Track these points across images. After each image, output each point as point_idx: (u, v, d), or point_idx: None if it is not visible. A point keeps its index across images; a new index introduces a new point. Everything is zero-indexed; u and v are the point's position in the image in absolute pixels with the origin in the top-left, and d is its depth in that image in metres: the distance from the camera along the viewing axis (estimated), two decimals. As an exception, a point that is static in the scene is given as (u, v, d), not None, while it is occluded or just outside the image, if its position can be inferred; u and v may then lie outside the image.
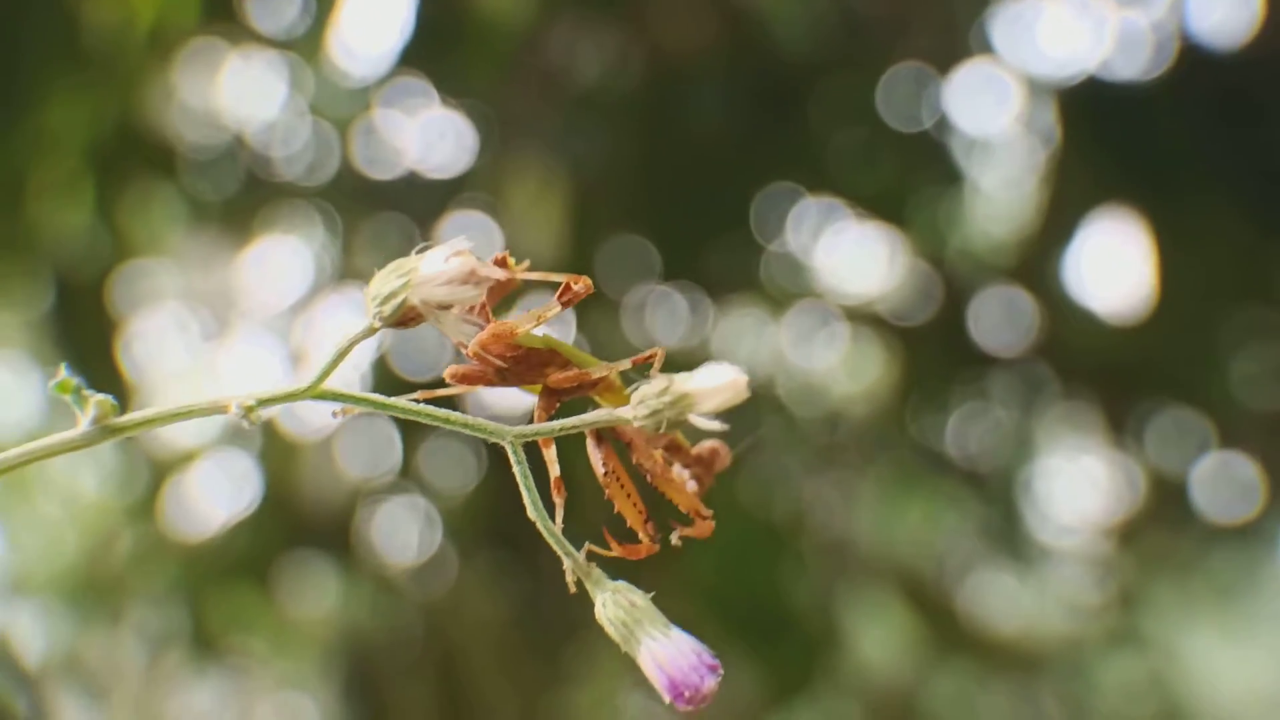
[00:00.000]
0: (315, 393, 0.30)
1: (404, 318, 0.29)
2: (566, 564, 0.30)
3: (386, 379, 1.32)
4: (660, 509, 0.33)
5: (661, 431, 0.29)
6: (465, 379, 0.32)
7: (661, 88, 1.31)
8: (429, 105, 1.36)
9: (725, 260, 1.36)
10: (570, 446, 0.32)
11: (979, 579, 1.55)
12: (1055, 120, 1.32)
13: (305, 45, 1.32)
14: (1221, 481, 1.48)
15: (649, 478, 0.32)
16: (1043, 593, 1.60)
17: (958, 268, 1.39)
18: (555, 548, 0.30)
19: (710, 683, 0.29)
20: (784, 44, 1.33)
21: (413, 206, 1.37)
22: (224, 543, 1.41)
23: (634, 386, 0.30)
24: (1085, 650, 1.61)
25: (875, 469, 1.51)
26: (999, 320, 1.41)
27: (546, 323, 0.32)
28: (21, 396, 1.48)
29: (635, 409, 0.29)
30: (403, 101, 1.36)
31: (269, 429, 1.39)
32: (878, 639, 1.51)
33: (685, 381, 0.29)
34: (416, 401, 0.31)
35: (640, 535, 0.32)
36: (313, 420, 1.38)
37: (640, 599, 0.30)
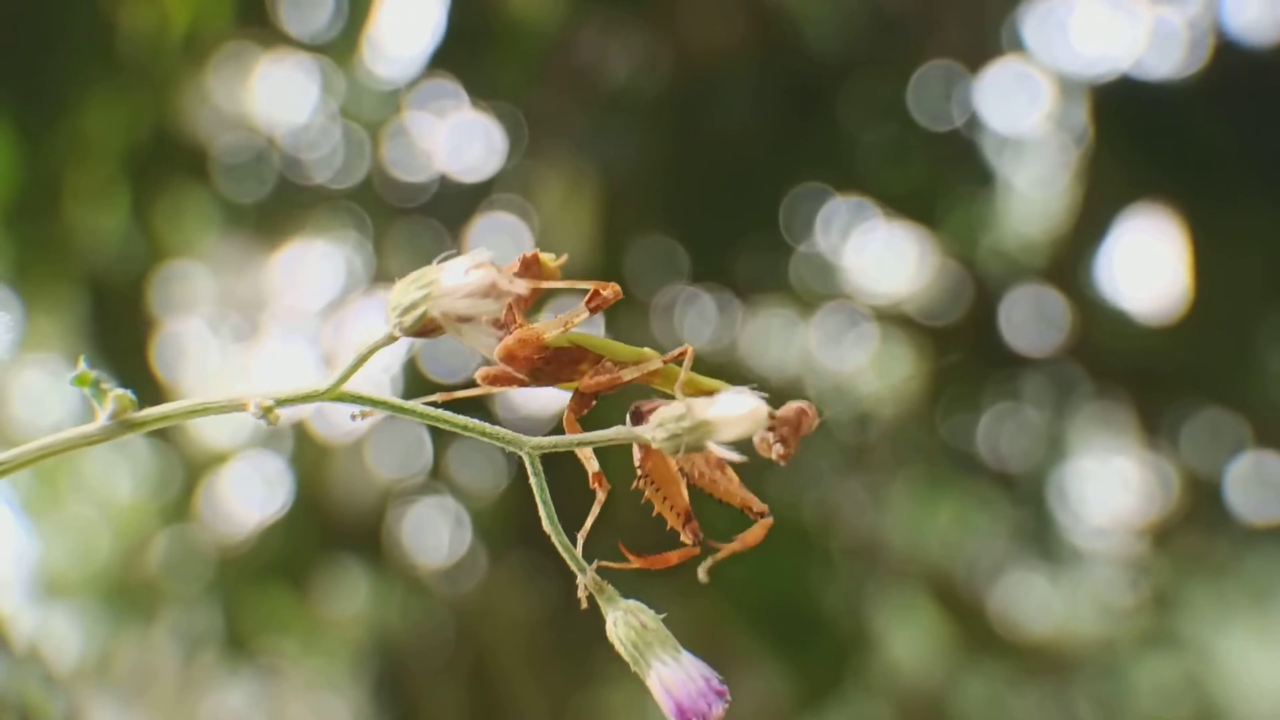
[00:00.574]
0: (334, 394, 0.30)
1: (424, 329, 0.29)
2: (580, 579, 0.30)
3: (417, 382, 1.32)
4: (701, 506, 0.32)
5: (680, 455, 0.29)
6: (496, 381, 0.32)
7: (690, 88, 1.31)
8: (459, 108, 1.36)
9: (754, 261, 1.36)
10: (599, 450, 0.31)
11: (1010, 580, 1.54)
12: (1087, 118, 1.31)
13: (337, 49, 1.33)
14: (1257, 482, 1.46)
15: (693, 478, 0.31)
16: (1075, 594, 1.59)
17: (988, 267, 1.39)
18: (569, 562, 0.30)
19: (718, 709, 0.29)
20: (813, 43, 1.32)
21: (443, 209, 1.38)
22: (257, 544, 1.42)
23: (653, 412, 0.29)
24: (1119, 652, 1.60)
25: (905, 470, 1.50)
26: (1030, 320, 1.40)
27: (574, 328, 0.32)
28: (57, 400, 1.49)
29: (654, 431, 0.29)
30: (433, 104, 1.37)
31: (300, 431, 1.40)
32: (908, 641, 1.50)
33: (705, 408, 0.28)
34: (436, 405, 0.31)
35: (683, 536, 0.31)
36: (343, 422, 1.38)
37: (651, 620, 0.30)
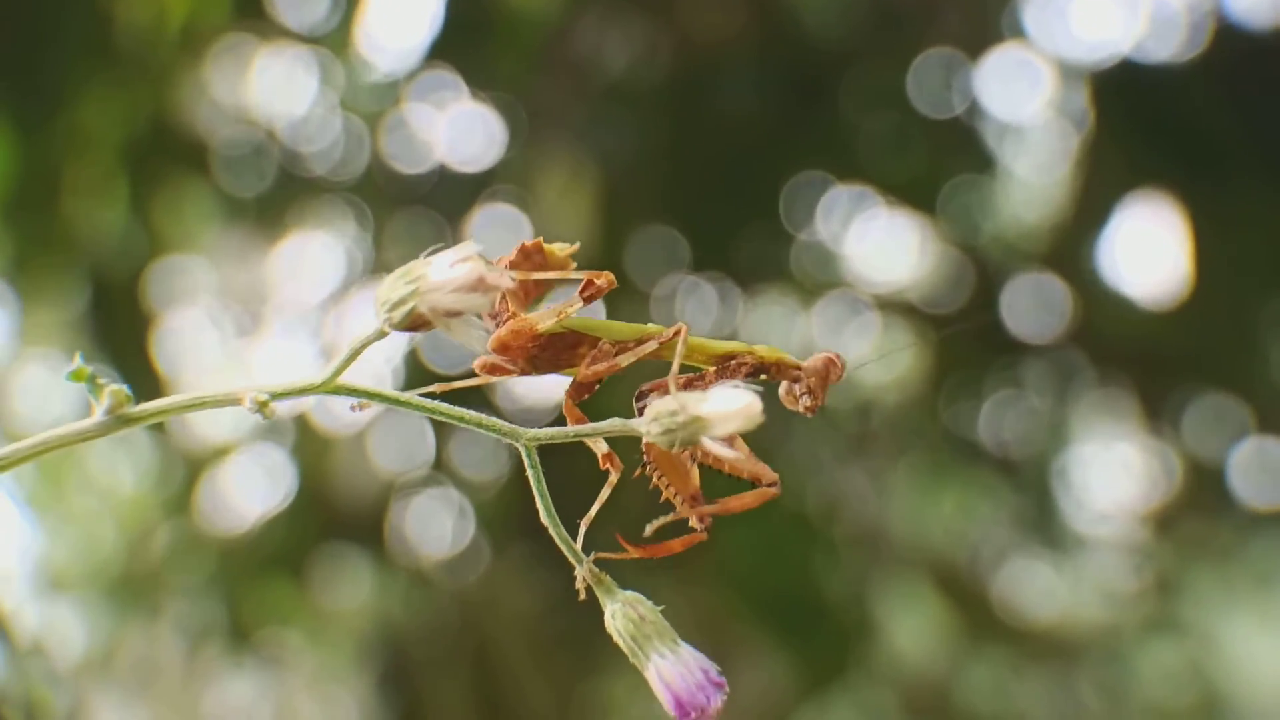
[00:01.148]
0: (329, 388, 0.30)
1: (413, 324, 0.29)
2: (578, 571, 0.30)
3: (418, 373, 1.32)
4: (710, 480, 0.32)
5: (675, 450, 0.28)
6: (494, 370, 0.32)
7: (690, 78, 1.30)
8: (458, 99, 1.36)
9: (755, 250, 1.36)
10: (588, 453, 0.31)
11: (1014, 568, 1.54)
12: (1088, 104, 1.31)
13: (334, 40, 1.33)
14: (1260, 467, 1.46)
15: (700, 456, 0.31)
16: (1079, 581, 1.59)
17: (990, 255, 1.38)
18: (567, 554, 0.30)
19: (716, 701, 0.29)
20: (813, 32, 1.32)
21: (443, 200, 1.37)
22: (259, 536, 1.42)
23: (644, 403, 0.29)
24: (1123, 638, 1.60)
25: (908, 458, 1.50)
26: (1032, 307, 1.40)
27: (568, 318, 0.31)
28: (57, 394, 1.49)
29: (649, 425, 0.28)
30: (432, 95, 1.37)
31: (302, 423, 1.40)
32: (912, 628, 1.50)
33: (699, 404, 0.28)
34: (434, 396, 0.31)
35: (691, 521, 0.31)
36: (345, 415, 1.38)
37: (649, 612, 0.30)
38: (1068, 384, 1.45)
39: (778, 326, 1.42)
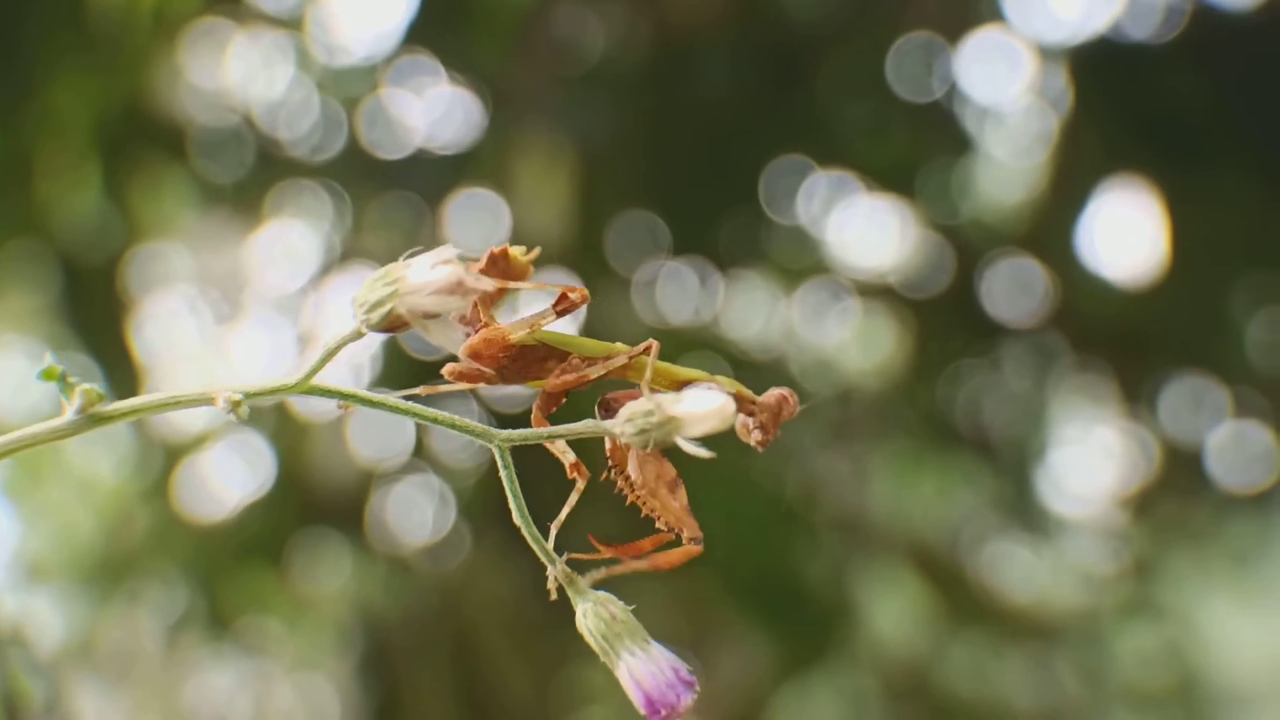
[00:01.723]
0: (304, 388, 0.30)
1: (391, 325, 0.29)
2: (550, 570, 0.30)
3: (397, 358, 1.32)
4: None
5: (648, 451, 0.29)
6: (464, 378, 0.32)
7: (669, 60, 1.30)
8: (436, 82, 1.35)
9: (735, 235, 1.36)
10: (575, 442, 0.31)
11: (993, 551, 1.55)
12: (1066, 86, 1.31)
13: (309, 24, 1.32)
14: (1237, 450, 1.47)
15: (638, 488, 0.31)
16: (1058, 563, 1.60)
17: (969, 238, 1.39)
18: (540, 554, 0.30)
19: (687, 699, 0.29)
20: (792, 15, 1.32)
21: (421, 184, 1.37)
22: (238, 524, 1.41)
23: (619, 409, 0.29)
24: (1101, 620, 1.61)
25: (888, 443, 1.50)
26: (1011, 290, 1.40)
27: (539, 330, 0.32)
28: (33, 381, 1.48)
29: (623, 426, 0.29)
30: (410, 79, 1.36)
31: (281, 409, 1.39)
32: (892, 612, 1.51)
33: (673, 404, 0.28)
34: (415, 396, 0.31)
35: (683, 537, 0.31)
36: (324, 403, 1.37)
37: (620, 611, 0.30)
38: (1047, 367, 1.46)
39: (758, 312, 1.42)
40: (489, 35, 1.30)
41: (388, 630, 1.41)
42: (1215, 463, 1.47)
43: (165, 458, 1.43)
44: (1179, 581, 1.64)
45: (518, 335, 0.31)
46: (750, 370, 1.35)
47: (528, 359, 0.31)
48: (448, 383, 0.31)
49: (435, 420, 0.30)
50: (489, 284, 0.28)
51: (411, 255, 0.29)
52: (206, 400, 0.30)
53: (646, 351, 0.31)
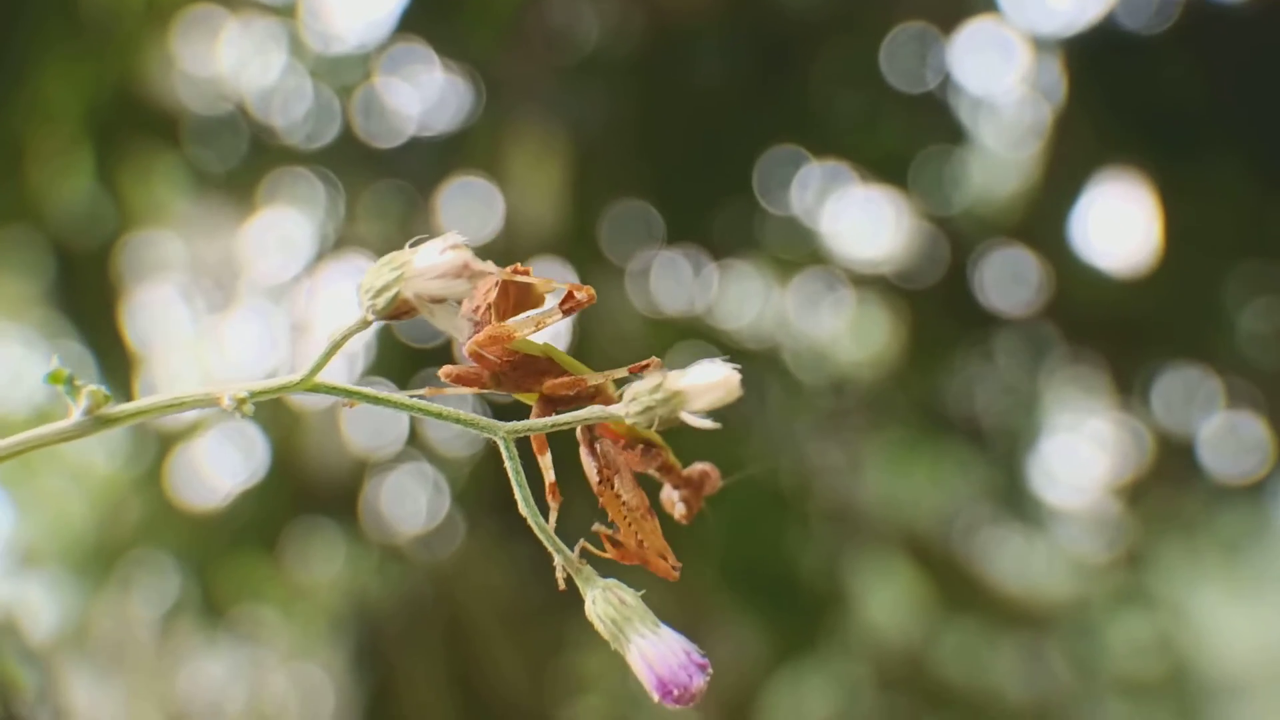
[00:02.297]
0: (308, 386, 0.30)
1: (397, 311, 0.29)
2: (557, 560, 0.30)
3: (391, 346, 1.32)
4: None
5: (654, 428, 0.29)
6: (460, 380, 0.32)
7: (663, 49, 1.30)
8: (429, 70, 1.35)
9: (729, 224, 1.36)
10: (569, 443, 0.31)
11: (986, 540, 1.55)
12: (1060, 76, 1.31)
13: (302, 11, 1.31)
14: (1228, 440, 1.48)
15: (625, 513, 0.31)
16: (1050, 553, 1.60)
17: (963, 228, 1.39)
18: (547, 544, 0.30)
19: (699, 681, 0.29)
20: (786, 3, 1.31)
21: (414, 172, 1.37)
22: (231, 511, 1.41)
23: (624, 385, 0.30)
24: (1093, 609, 1.61)
25: (881, 432, 1.50)
26: (1004, 280, 1.40)
27: (545, 329, 0.32)
28: (29, 371, 1.48)
29: (627, 405, 0.29)
30: (403, 67, 1.36)
31: (275, 399, 1.38)
32: (885, 601, 1.52)
33: (677, 379, 0.28)
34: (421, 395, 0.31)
35: (630, 545, 0.31)
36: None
37: (630, 597, 0.30)
38: (1040, 357, 1.46)
39: (752, 301, 1.42)
40: (482, 23, 1.30)
41: (381, 618, 1.41)
42: (1207, 453, 1.48)
43: (159, 445, 1.43)
44: (1171, 571, 1.65)
45: (523, 333, 0.31)
46: (744, 359, 1.35)
47: (527, 369, 0.31)
48: (448, 384, 0.31)
49: (440, 415, 0.30)
50: (494, 269, 0.28)
51: (417, 241, 0.29)
52: (211, 401, 0.30)
53: (647, 367, 0.31)
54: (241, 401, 0.29)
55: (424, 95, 1.36)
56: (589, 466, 0.31)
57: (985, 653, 1.54)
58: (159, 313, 1.42)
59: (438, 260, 0.29)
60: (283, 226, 1.42)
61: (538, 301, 0.32)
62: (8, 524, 1.57)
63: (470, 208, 1.37)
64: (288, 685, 1.57)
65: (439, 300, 0.29)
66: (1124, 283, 1.36)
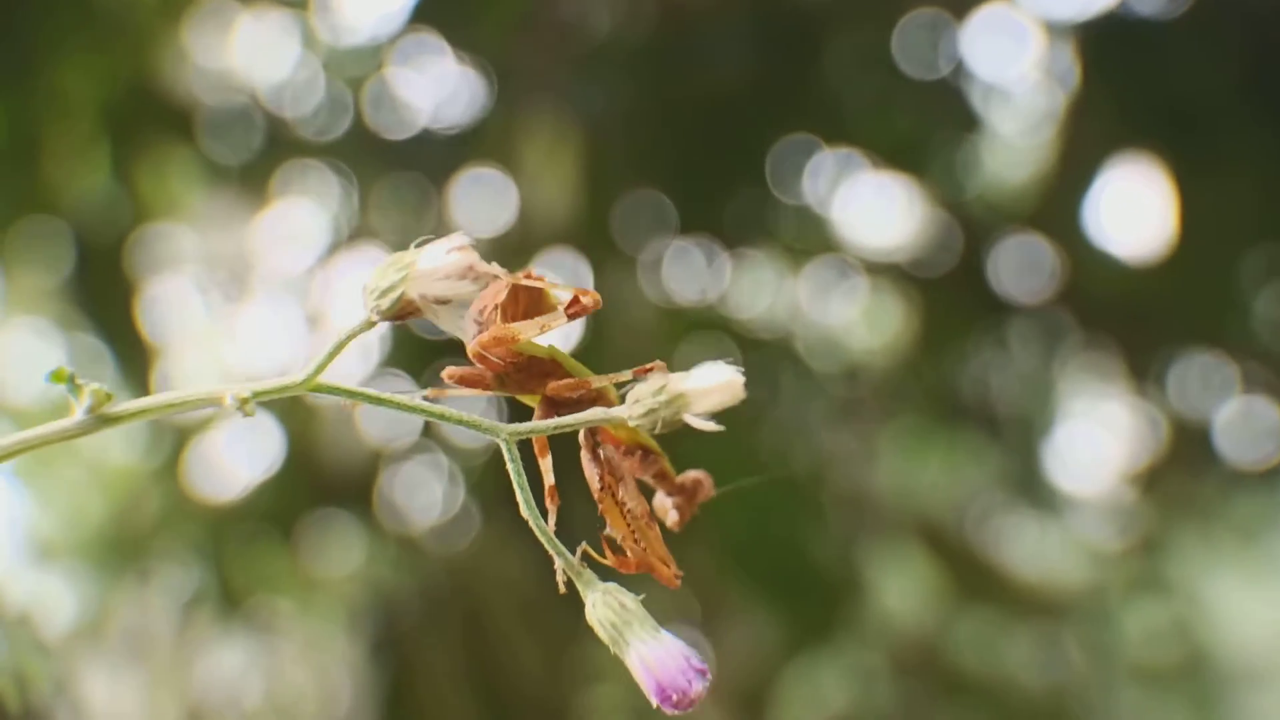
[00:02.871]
0: (311, 386, 0.30)
1: (401, 311, 0.29)
2: (558, 564, 0.30)
3: (406, 339, 1.32)
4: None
5: (657, 430, 0.29)
6: (463, 381, 0.32)
7: (674, 38, 1.30)
8: (441, 62, 1.35)
9: (742, 213, 1.36)
10: (569, 446, 0.32)
11: (1001, 527, 1.55)
12: (1074, 62, 1.31)
13: (314, 3, 1.32)
14: (1244, 425, 1.47)
15: (627, 520, 0.31)
16: (1065, 540, 1.60)
17: (976, 215, 1.38)
18: (548, 547, 0.30)
19: (698, 686, 0.29)
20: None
21: (427, 164, 1.37)
22: (248, 503, 1.42)
23: (628, 388, 0.30)
24: (1108, 596, 1.61)
25: (895, 420, 1.50)
26: (1019, 267, 1.40)
27: (550, 332, 0.32)
28: (45, 362, 1.48)
29: (631, 408, 0.29)
30: (415, 59, 1.36)
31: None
32: (900, 589, 1.51)
33: (681, 381, 0.28)
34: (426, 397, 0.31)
35: (630, 552, 0.31)
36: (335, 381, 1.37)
37: (630, 601, 0.30)
38: (1054, 344, 1.45)
39: (765, 290, 1.42)
40: (494, 14, 1.30)
41: (398, 609, 1.41)
42: (1223, 439, 1.47)
43: (176, 438, 1.43)
44: (1186, 557, 1.64)
45: (528, 335, 0.31)
46: (757, 348, 1.36)
47: (531, 372, 0.31)
48: (452, 386, 0.31)
49: (442, 417, 0.30)
50: (500, 270, 0.28)
51: (422, 242, 0.29)
52: (214, 400, 0.30)
53: (652, 370, 0.31)
54: (244, 401, 0.29)
55: (436, 87, 1.36)
56: (590, 472, 0.31)
57: (1000, 641, 1.53)
58: (174, 305, 1.43)
59: (442, 261, 0.29)
60: (296, 219, 1.42)
61: (549, 306, 0.32)
62: (25, 517, 1.57)
63: (483, 199, 1.37)
64: (305, 676, 1.57)
65: (444, 301, 0.29)
66: (1138, 269, 1.35)
